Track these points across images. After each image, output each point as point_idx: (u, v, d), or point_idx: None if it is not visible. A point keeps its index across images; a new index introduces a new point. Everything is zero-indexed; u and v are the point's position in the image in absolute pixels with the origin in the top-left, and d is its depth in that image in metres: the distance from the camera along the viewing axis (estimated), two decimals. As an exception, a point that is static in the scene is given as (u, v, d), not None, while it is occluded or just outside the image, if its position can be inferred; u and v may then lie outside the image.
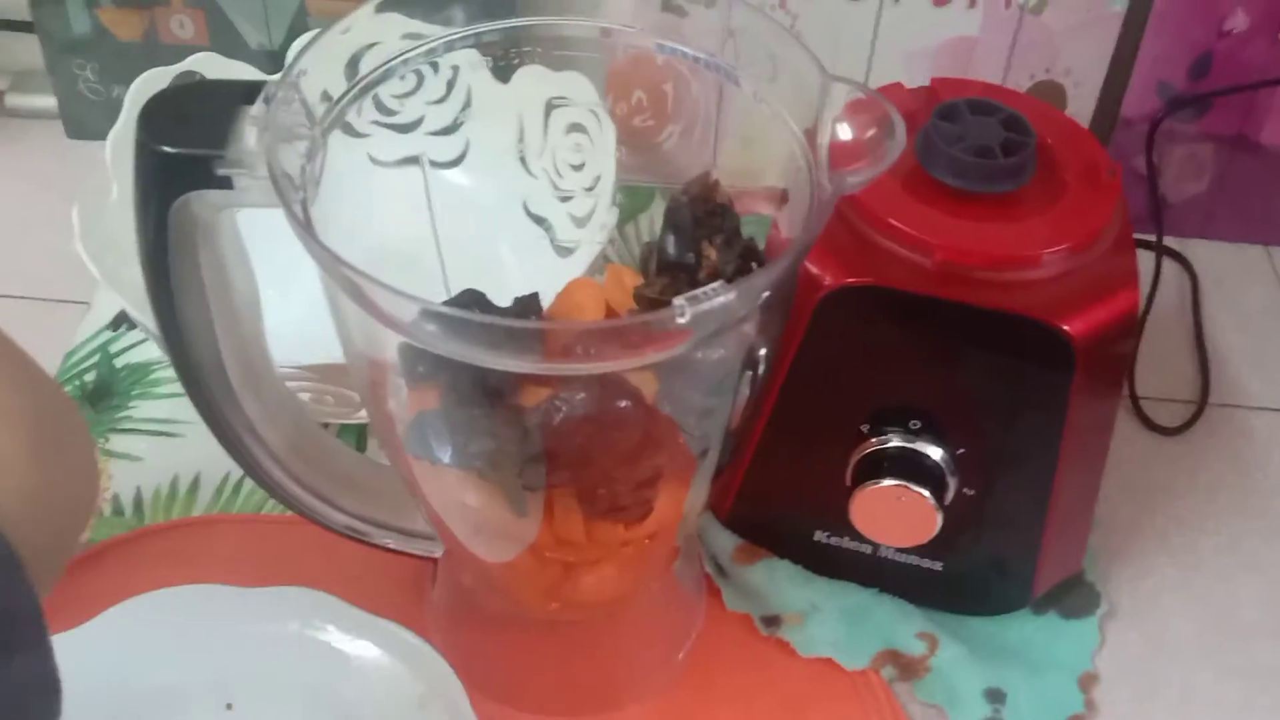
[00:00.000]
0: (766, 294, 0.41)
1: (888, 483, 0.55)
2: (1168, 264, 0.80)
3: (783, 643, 0.60)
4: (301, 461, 0.53)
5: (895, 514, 0.55)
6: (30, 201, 0.80)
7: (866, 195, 0.53)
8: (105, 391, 0.69)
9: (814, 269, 0.53)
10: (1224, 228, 0.82)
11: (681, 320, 0.38)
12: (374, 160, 0.70)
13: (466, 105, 0.70)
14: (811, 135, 0.44)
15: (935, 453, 0.55)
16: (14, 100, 0.86)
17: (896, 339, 0.54)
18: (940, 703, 0.58)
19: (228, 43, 0.80)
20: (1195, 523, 0.67)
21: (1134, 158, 0.78)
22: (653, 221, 0.77)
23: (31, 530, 0.32)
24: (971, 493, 0.56)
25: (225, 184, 0.42)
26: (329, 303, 0.45)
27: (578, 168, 0.68)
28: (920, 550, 0.59)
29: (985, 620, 0.61)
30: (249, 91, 0.42)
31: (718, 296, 0.38)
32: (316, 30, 0.48)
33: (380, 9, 0.46)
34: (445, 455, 0.47)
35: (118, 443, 0.67)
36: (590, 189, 0.67)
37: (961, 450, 0.55)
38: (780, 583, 0.61)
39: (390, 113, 0.70)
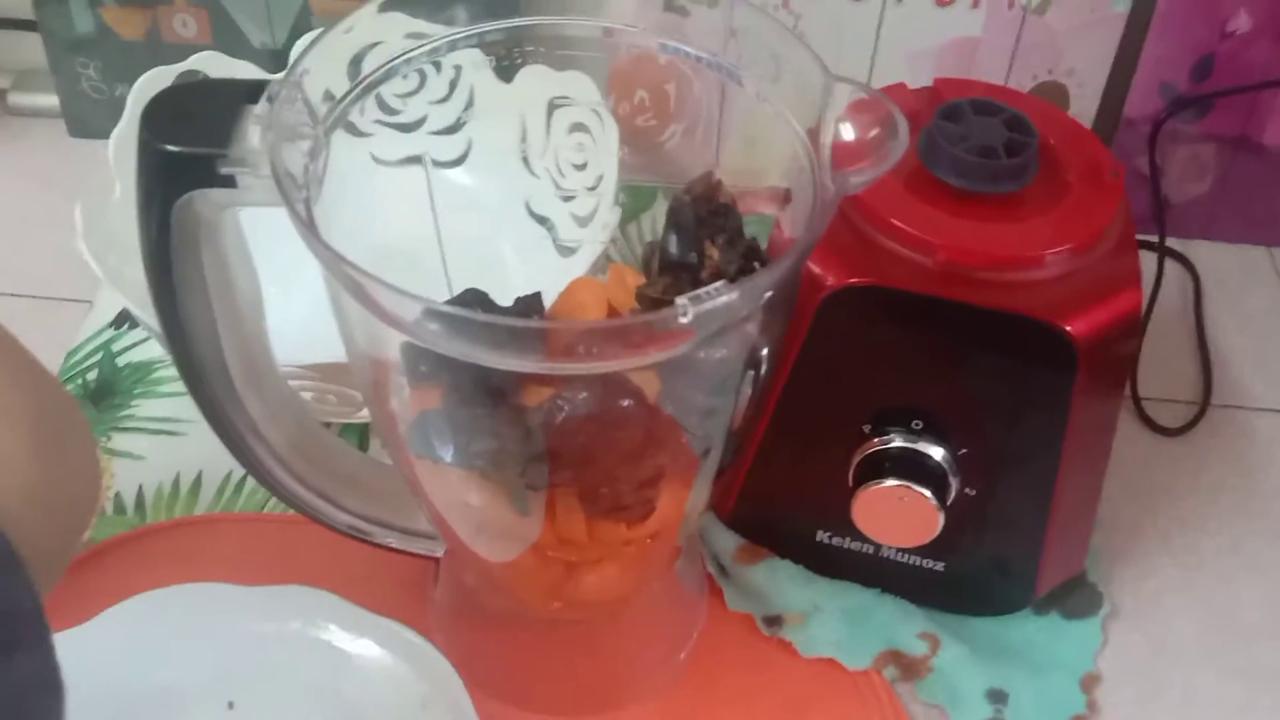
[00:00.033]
0: (769, 294, 0.41)
1: (890, 483, 0.55)
2: (1170, 265, 0.80)
3: (784, 643, 0.60)
4: (304, 461, 0.53)
5: (897, 514, 0.55)
6: (33, 200, 0.80)
7: (869, 195, 0.53)
8: (107, 390, 0.69)
9: (816, 269, 0.53)
10: (1226, 228, 0.82)
11: (684, 320, 0.37)
12: (377, 159, 0.70)
13: (469, 105, 0.70)
14: (814, 135, 0.44)
15: (937, 453, 0.55)
16: (17, 99, 0.86)
17: (899, 339, 0.54)
18: (942, 703, 0.58)
19: (231, 42, 0.80)
20: (1197, 524, 0.67)
21: (1136, 158, 0.78)
22: (655, 221, 0.77)
23: (33, 529, 0.32)
24: (973, 493, 0.56)
25: (228, 183, 0.42)
26: (331, 302, 0.45)
27: (580, 167, 0.68)
28: (922, 550, 0.59)
29: (987, 620, 0.61)
30: (252, 90, 0.42)
31: (720, 296, 0.38)
32: (319, 29, 0.48)
33: (383, 8, 0.46)
34: (447, 454, 0.47)
35: (120, 441, 0.67)
36: (593, 188, 0.67)
37: (964, 450, 0.55)
38: (782, 583, 0.61)
39: (393, 112, 0.70)
